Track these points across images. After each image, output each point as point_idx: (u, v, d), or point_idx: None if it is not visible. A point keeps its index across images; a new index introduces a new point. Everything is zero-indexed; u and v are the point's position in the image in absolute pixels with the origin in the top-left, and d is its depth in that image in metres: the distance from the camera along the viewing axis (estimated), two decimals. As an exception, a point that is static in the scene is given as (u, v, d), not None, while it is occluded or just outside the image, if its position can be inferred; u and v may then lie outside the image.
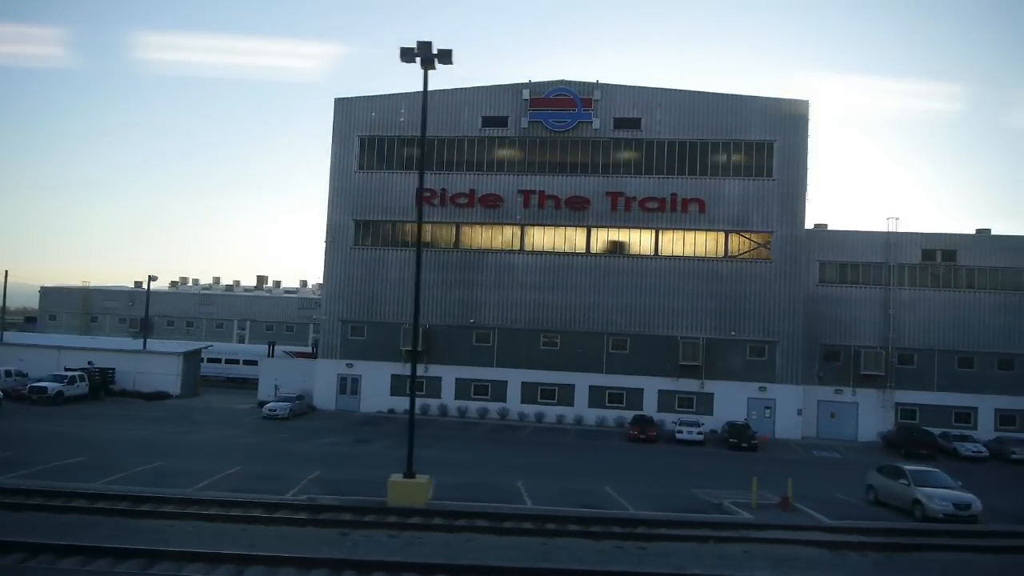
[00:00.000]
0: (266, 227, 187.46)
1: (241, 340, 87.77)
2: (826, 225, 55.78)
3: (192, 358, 60.22)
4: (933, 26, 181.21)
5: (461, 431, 47.46)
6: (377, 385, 54.45)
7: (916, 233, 52.95)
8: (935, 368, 51.70)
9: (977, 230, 54.68)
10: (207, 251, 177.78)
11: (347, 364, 55.03)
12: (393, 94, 56.42)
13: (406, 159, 55.79)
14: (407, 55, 23.23)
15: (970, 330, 51.61)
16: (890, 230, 52.66)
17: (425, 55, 23.08)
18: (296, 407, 50.42)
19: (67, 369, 53.85)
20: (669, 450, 44.18)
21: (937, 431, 47.92)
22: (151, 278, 60.46)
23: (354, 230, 55.93)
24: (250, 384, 69.62)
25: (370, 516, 19.74)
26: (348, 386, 55.14)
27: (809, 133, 52.09)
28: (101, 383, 55.09)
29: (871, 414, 51.75)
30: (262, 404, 54.58)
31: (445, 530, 18.63)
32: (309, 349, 68.70)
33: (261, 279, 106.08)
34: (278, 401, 50.39)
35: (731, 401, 51.17)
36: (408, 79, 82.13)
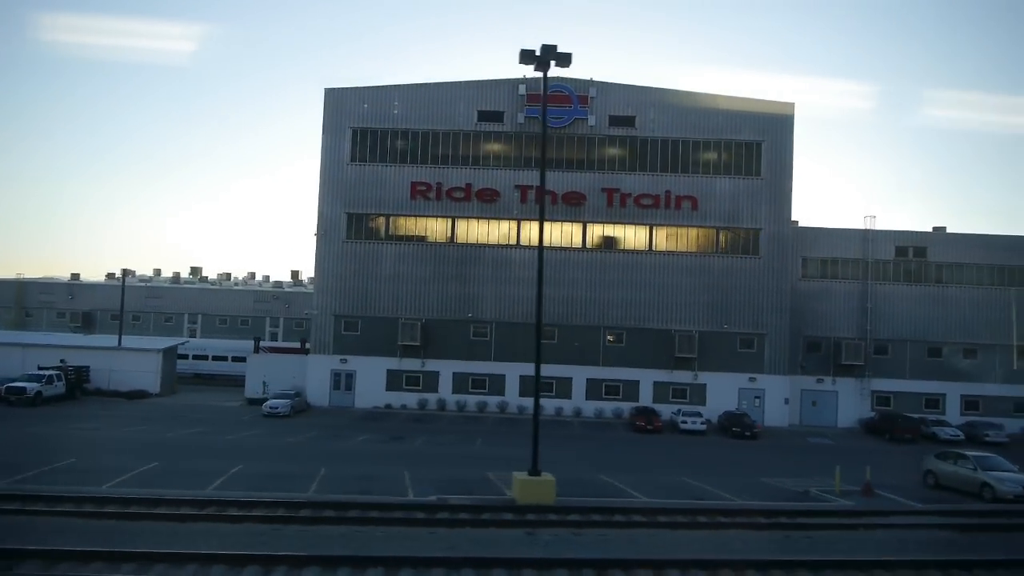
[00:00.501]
0: (198, 216, 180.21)
1: (192, 334, 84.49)
2: (796, 222, 58.43)
3: (169, 355, 57.92)
4: (883, 30, 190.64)
5: (469, 425, 47.60)
6: (372, 381, 53.84)
7: (890, 231, 56.30)
8: (907, 357, 55.21)
9: (934, 228, 58.56)
10: (139, 242, 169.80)
11: (341, 360, 54.15)
12: (386, 86, 55.70)
13: (400, 152, 55.19)
14: (527, 57, 23.43)
15: (938, 322, 55.31)
16: (867, 228, 55.83)
17: (545, 58, 23.33)
18: (295, 404, 49.39)
19: (41, 368, 50.88)
20: (679, 440, 45.72)
21: (915, 416, 51.25)
22: (125, 272, 57.72)
23: (346, 223, 54.99)
24: (219, 380, 67.67)
25: (530, 515, 19.98)
26: (342, 382, 54.29)
27: (795, 134, 54.55)
28: (76, 382, 52.40)
29: (850, 402, 54.84)
30: (251, 401, 53.35)
31: (620, 526, 19.09)
32: (297, 344, 66.95)
33: (195, 270, 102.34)
34: (275, 398, 49.11)
35: (723, 391, 53.19)
36: (389, 70, 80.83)
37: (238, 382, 65.80)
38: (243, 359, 68.08)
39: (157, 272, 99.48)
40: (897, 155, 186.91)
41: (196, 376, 67.28)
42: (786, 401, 53.50)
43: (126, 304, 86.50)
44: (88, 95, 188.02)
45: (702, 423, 48.26)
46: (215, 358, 68.61)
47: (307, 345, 58.15)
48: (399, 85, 55.63)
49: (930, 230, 57.83)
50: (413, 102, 55.20)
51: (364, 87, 55.72)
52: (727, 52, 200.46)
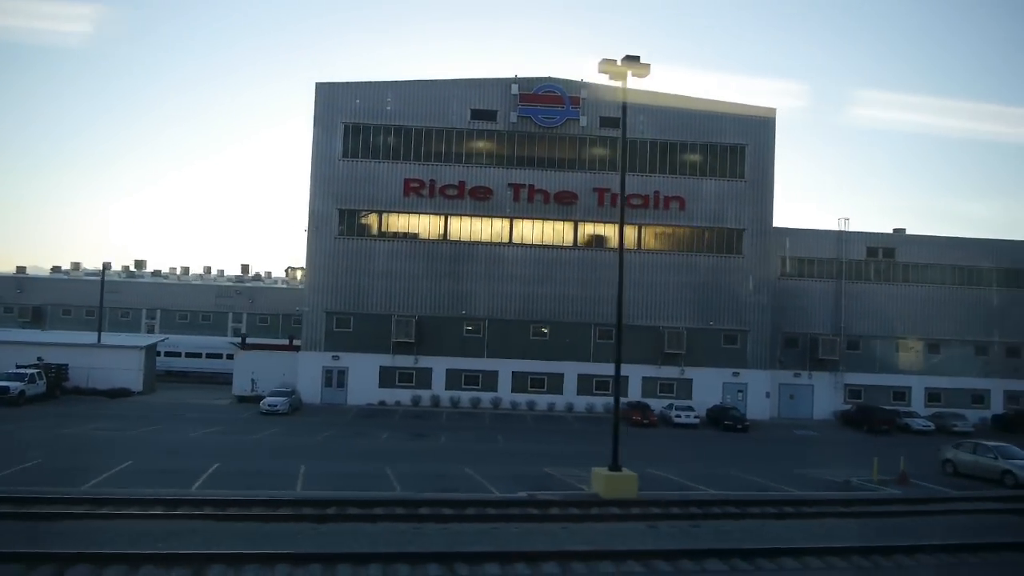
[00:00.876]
0: (140, 208, 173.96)
1: (150, 330, 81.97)
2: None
3: (150, 352, 56.42)
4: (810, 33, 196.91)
5: (471, 421, 48.11)
6: (365, 378, 53.72)
7: (862, 232, 59.26)
8: (876, 352, 58.29)
9: (894, 229, 61.88)
10: (82, 235, 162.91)
11: (333, 356, 53.82)
12: (378, 82, 55.54)
13: (392, 149, 55.11)
14: (607, 64, 24.16)
15: (905, 319, 58.55)
16: (841, 229, 58.64)
17: (622, 70, 24.12)
18: (292, 402, 48.90)
19: (19, 366, 48.95)
20: (676, 433, 47.38)
21: (889, 408, 54.23)
22: (105, 266, 55.89)
23: (338, 219, 54.64)
24: (192, 378, 66.24)
25: (634, 509, 20.82)
26: (334, 379, 53.98)
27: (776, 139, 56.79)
28: (56, 381, 50.66)
29: (824, 395, 57.62)
30: (241, 399, 52.56)
31: (727, 518, 20.14)
32: (279, 341, 65.93)
33: (140, 264, 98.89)
34: (273, 396, 48.48)
35: (708, 385, 55.12)
36: (361, 64, 79.92)
37: (212, 379, 64.88)
38: (218, 356, 67.16)
39: (107, 265, 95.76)
40: (843, 157, 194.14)
41: (168, 373, 65.51)
42: (767, 395, 55.84)
43: (78, 299, 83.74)
44: (25, 80, 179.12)
45: (695, 417, 50.06)
46: (188, 355, 66.96)
47: (295, 342, 57.60)
48: (391, 81, 55.55)
49: (891, 231, 61.14)
50: (406, 99, 55.18)
51: (356, 82, 55.40)
52: (696, 54, 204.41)
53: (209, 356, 67.08)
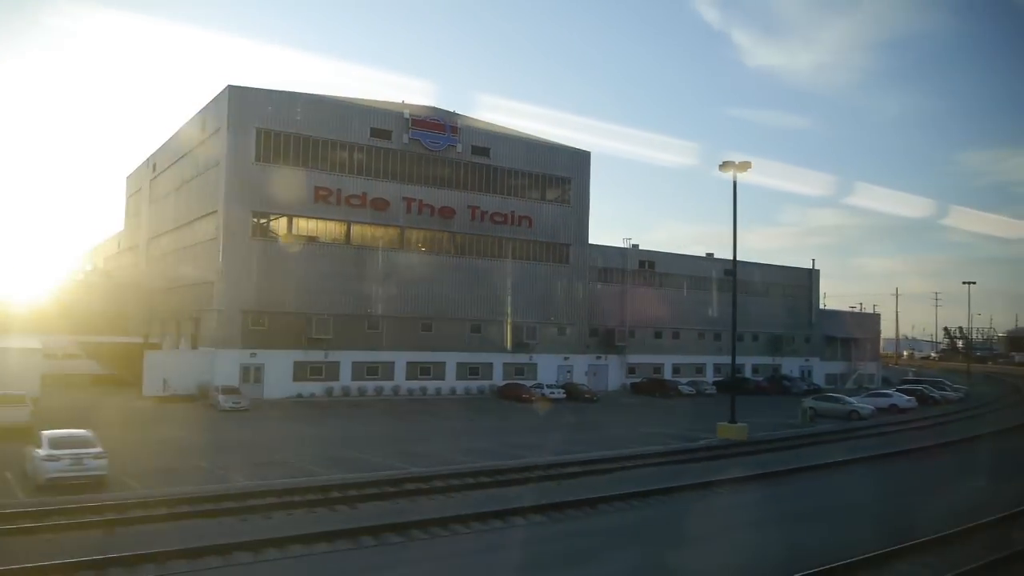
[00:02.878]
0: None
1: None
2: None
3: (32, 355, 51.52)
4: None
5: (395, 407, 54.76)
6: (280, 372, 56.82)
7: (636, 249, 78.92)
8: (643, 338, 78.38)
9: (632, 245, 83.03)
10: None
11: (251, 354, 55.86)
12: (289, 92, 58.59)
13: (303, 156, 58.69)
14: (727, 166, 37.12)
15: (661, 314, 79.52)
16: (625, 246, 77.54)
17: (735, 170, 37.36)
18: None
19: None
20: (557, 406, 60.22)
21: (669, 379, 74.37)
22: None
23: (252, 222, 56.62)
24: None
25: (762, 446, 34.38)
26: (251, 375, 56.04)
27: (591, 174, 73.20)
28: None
29: (615, 371, 75.92)
30: (162, 400, 51.98)
31: (809, 445, 34.79)
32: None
33: None
34: (226, 394, 49.75)
35: (547, 368, 69.40)
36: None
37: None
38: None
39: None
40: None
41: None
42: (585, 373, 72.11)
43: None
44: None
45: (562, 393, 63.89)
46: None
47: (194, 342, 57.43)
48: (301, 93, 59.00)
49: (658, 249, 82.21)
50: (314, 111, 59.11)
51: (269, 89, 57.74)
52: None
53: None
